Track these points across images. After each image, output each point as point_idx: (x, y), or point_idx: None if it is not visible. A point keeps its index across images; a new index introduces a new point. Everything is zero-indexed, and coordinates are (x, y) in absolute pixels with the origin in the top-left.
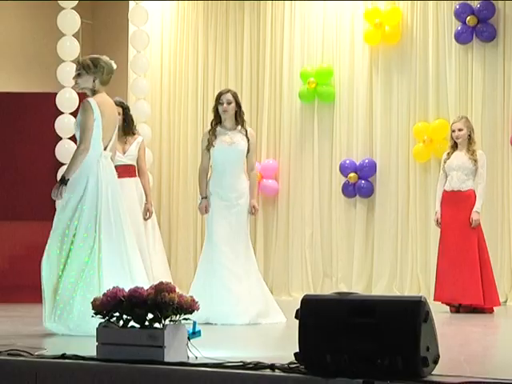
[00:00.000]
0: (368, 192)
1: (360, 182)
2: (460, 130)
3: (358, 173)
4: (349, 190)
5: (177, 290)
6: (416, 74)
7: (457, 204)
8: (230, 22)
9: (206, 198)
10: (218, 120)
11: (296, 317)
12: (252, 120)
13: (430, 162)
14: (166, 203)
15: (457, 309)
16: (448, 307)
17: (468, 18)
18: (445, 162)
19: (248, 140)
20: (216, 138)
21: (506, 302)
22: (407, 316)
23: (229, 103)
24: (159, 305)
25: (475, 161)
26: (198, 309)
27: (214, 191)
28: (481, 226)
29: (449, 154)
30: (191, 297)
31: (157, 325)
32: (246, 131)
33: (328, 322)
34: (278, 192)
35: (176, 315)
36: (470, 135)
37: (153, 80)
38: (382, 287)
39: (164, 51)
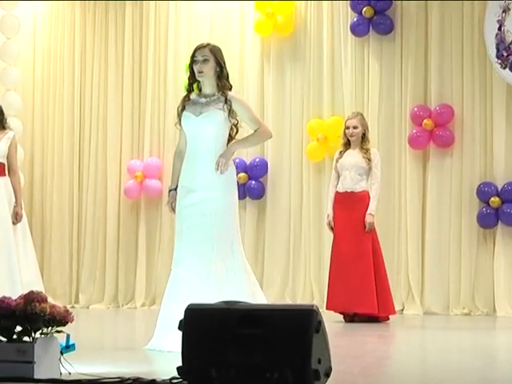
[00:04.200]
0: (259, 193)
1: (250, 182)
2: (355, 127)
3: (248, 173)
4: (238, 191)
5: (49, 299)
6: (310, 68)
7: (350, 206)
8: (110, 18)
9: (174, 190)
10: (193, 83)
11: (179, 328)
12: (134, 118)
13: (325, 161)
14: (38, 204)
15: (351, 318)
16: (342, 317)
17: (364, 8)
18: (337, 161)
19: (228, 105)
20: (185, 108)
21: (402, 310)
22: (298, 326)
23: (205, 61)
24: (29, 316)
25: (369, 160)
26: (72, 320)
27: (182, 178)
28: (375, 230)
29: (341, 153)
30: (64, 307)
31: (26, 338)
32: (226, 96)
33: (213, 333)
34: (163, 193)
35: (47, 327)
36: (364, 133)
37: (24, 70)
38: (272, 295)
39: (37, 39)
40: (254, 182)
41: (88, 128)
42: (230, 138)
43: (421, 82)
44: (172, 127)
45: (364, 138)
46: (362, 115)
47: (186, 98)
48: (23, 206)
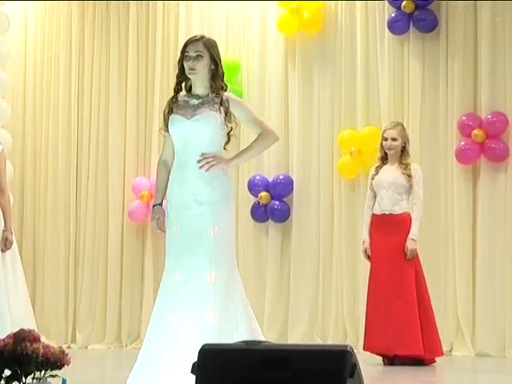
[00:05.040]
0: (283, 215)
1: (273, 202)
2: (394, 139)
3: (271, 191)
4: (259, 213)
5: (42, 338)
6: (341, 71)
7: (388, 230)
8: (112, 19)
9: (160, 204)
10: (182, 82)
11: (192, 371)
12: (140, 130)
13: (359, 178)
14: (29, 228)
15: (391, 360)
16: (381, 358)
17: (403, 2)
18: (373, 179)
19: (225, 107)
20: (173, 111)
21: (450, 351)
22: (329, 370)
23: (198, 57)
24: (19, 358)
25: (409, 176)
26: (68, 363)
27: (170, 193)
28: (418, 258)
29: (377, 169)
30: (60, 347)
31: (16, 383)
32: (222, 98)
33: (233, 377)
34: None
35: (40, 371)
36: (404, 146)
37: (14, 74)
38: (299, 334)
39: (28, 39)
40: (277, 203)
41: (87, 141)
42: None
43: (470, 87)
44: None
45: (404, 151)
46: (401, 125)
47: (174, 99)
48: (13, 231)
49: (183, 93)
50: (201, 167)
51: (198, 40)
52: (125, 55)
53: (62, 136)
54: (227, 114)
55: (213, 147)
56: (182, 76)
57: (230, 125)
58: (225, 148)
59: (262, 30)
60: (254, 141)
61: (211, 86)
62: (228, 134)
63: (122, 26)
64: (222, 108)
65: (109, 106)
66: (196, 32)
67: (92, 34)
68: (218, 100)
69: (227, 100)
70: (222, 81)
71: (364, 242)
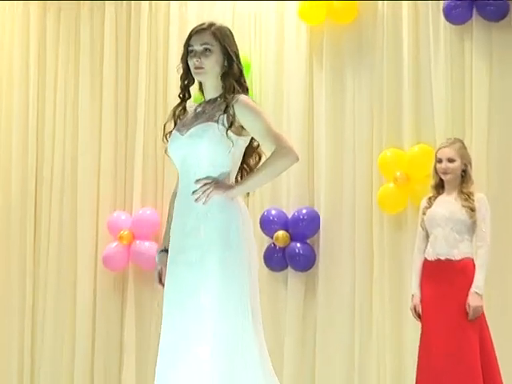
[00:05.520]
0: (306, 261)
1: (294, 245)
2: (451, 160)
3: (291, 231)
4: (276, 259)
5: None
6: (383, 72)
7: (445, 281)
8: (82, 23)
9: (165, 251)
10: (189, 85)
11: None
12: (118, 154)
13: (407, 212)
14: None
15: None
16: None
17: None
18: (424, 214)
19: (230, 114)
20: (176, 123)
21: None
22: None
23: (206, 51)
24: None
25: (472, 210)
26: None
27: (170, 233)
28: (484, 317)
29: (430, 200)
30: None
31: None
32: (228, 103)
33: None
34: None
35: None
36: (464, 170)
37: None
38: None
39: None
40: (298, 245)
41: (49, 169)
42: (249, 168)
43: None
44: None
45: (465, 176)
46: (461, 143)
47: (179, 110)
48: None
49: (194, 102)
50: (196, 200)
51: (204, 29)
52: (99, 65)
53: (17, 161)
54: (232, 124)
55: (214, 171)
56: (187, 77)
57: (243, 138)
58: (252, 169)
59: (279, 20)
60: (265, 161)
61: (223, 88)
62: (256, 149)
63: (96, 31)
64: (223, 116)
65: (78, 124)
66: (192, 10)
67: (56, 41)
68: (223, 106)
69: (233, 104)
70: (238, 80)
71: (413, 296)
